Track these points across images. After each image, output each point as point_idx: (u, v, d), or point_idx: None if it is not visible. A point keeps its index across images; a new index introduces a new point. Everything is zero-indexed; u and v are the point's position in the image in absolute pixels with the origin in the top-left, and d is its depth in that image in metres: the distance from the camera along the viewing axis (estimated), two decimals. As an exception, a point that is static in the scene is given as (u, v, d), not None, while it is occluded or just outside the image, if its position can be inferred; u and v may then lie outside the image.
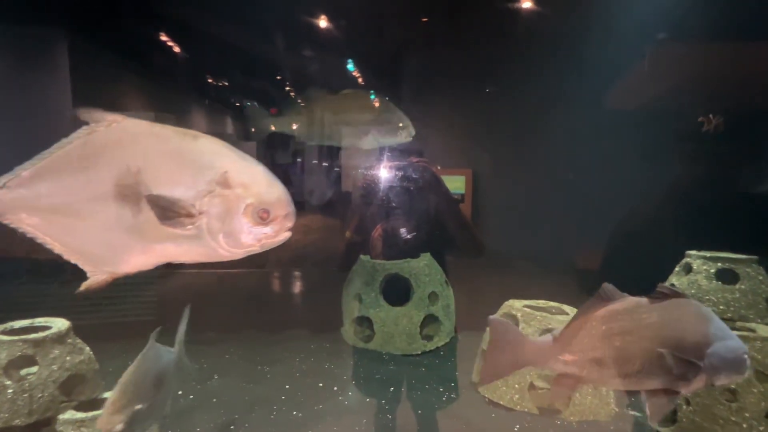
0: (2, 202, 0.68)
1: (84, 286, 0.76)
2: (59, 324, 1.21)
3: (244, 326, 2.17)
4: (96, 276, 0.76)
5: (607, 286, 0.86)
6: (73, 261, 0.76)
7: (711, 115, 1.93)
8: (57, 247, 0.74)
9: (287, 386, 1.56)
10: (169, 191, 0.72)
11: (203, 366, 1.72)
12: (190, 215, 0.72)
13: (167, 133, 0.76)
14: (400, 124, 1.58)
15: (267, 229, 0.75)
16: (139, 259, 0.77)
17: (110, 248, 0.75)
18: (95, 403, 1.20)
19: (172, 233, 0.73)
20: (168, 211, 0.71)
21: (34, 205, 0.71)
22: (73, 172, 0.72)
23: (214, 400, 1.48)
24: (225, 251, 0.76)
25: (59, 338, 1.17)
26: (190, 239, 0.74)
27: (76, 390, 1.18)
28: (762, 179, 1.89)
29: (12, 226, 0.71)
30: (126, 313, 2.42)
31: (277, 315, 2.88)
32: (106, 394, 1.24)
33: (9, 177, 0.70)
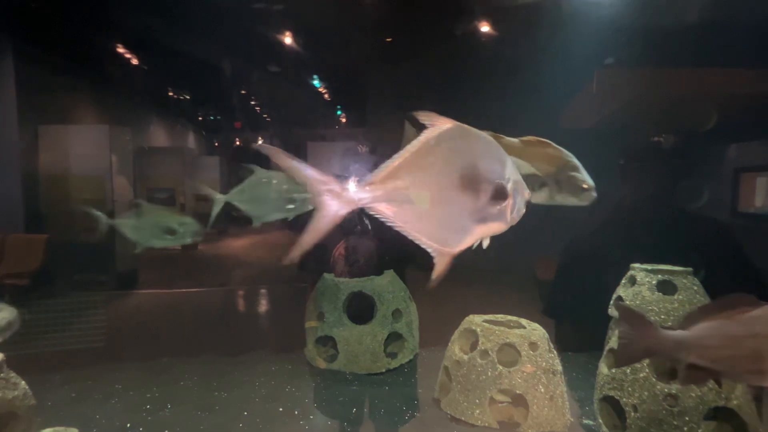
0: (370, 195, 0.80)
1: (435, 275, 0.86)
2: (-10, 357, 1.12)
3: (201, 349, 2.09)
4: (439, 261, 0.86)
5: (743, 295, 0.94)
6: (423, 245, 0.86)
7: (663, 135, 2.08)
8: (411, 233, 0.85)
9: (245, 413, 1.50)
10: (494, 180, 0.91)
11: (155, 395, 1.63)
12: (507, 198, 0.92)
13: (482, 134, 0.94)
14: (585, 186, 1.35)
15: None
16: (466, 238, 0.91)
17: (453, 230, 0.89)
18: (30, 443, 1.11)
19: (489, 214, 0.92)
20: (501, 196, 0.91)
21: (393, 196, 0.83)
22: (427, 167, 0.85)
23: (166, 431, 1.40)
24: (506, 225, 0.96)
25: (-11, 373, 1.08)
26: (496, 217, 0.93)
27: (7, 428, 1.08)
28: (696, 196, 2.05)
29: (376, 215, 0.82)
30: (71, 340, 2.25)
31: (238, 336, 2.75)
32: (44, 431, 1.15)
33: (375, 174, 0.82)
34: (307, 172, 0.79)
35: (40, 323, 2.63)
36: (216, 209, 1.59)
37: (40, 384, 1.21)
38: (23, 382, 1.16)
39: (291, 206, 1.51)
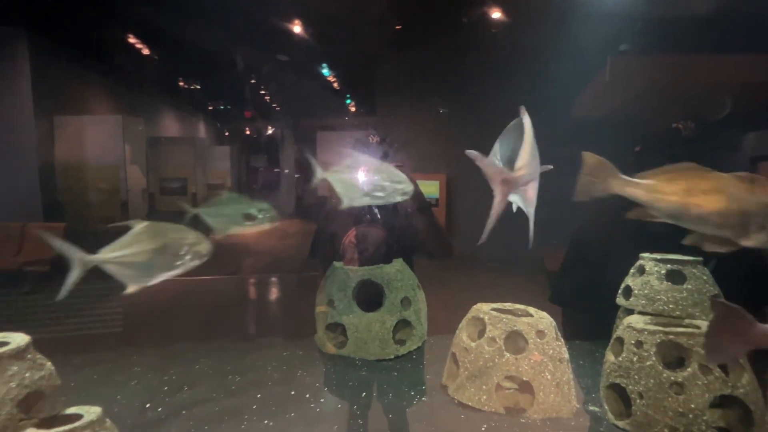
0: (521, 179, 1.04)
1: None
2: (18, 339, 1.17)
3: (215, 335, 2.15)
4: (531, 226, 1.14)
5: None
6: (529, 215, 1.11)
7: (683, 121, 2.04)
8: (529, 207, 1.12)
9: (258, 395, 1.55)
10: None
11: (172, 378, 1.69)
12: None
13: None
14: None
15: None
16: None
17: (533, 201, 1.15)
18: (57, 420, 1.16)
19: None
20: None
21: (525, 179, 1.08)
22: (529, 152, 1.09)
23: (183, 412, 1.46)
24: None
25: (18, 354, 1.13)
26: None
27: (35, 407, 1.14)
28: None
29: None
30: (90, 325, 2.33)
31: (250, 323, 2.83)
32: (69, 410, 1.21)
33: (518, 162, 1.05)
34: (491, 163, 1.03)
35: (62, 309, 2.72)
36: (313, 184, 1.65)
37: (62, 366, 1.26)
38: (49, 363, 1.22)
39: (380, 194, 1.55)
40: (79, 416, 1.18)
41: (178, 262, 1.34)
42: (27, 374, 1.13)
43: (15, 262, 5.30)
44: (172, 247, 1.33)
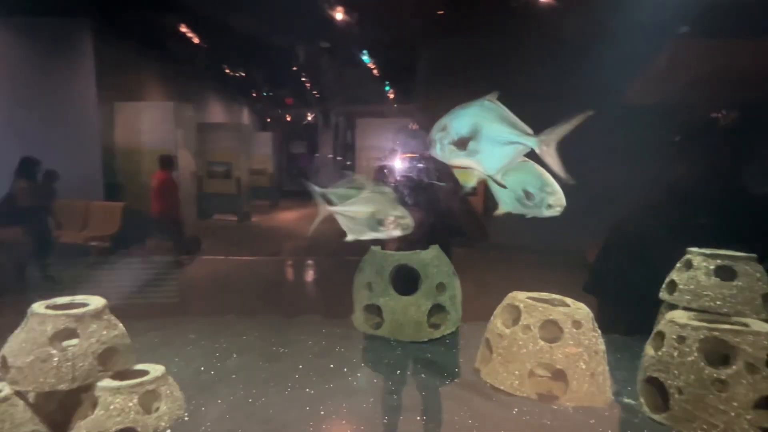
0: None
1: None
2: (96, 302, 1.33)
3: (260, 310, 2.30)
4: None
5: None
6: None
7: (723, 111, 1.93)
8: None
9: (300, 366, 1.66)
10: None
11: (223, 345, 1.84)
12: None
13: None
14: None
15: None
16: None
17: None
18: (128, 374, 1.32)
19: None
20: None
21: None
22: None
23: (233, 376, 1.59)
24: None
25: (97, 314, 1.29)
26: None
27: (111, 361, 1.30)
28: (764, 179, 1.90)
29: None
30: (150, 295, 2.55)
31: (291, 301, 2.99)
32: (137, 367, 1.36)
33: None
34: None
35: (125, 279, 3.03)
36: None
37: (128, 330, 1.41)
38: (120, 324, 1.37)
39: (528, 202, 1.53)
40: (146, 372, 1.33)
41: (382, 228, 1.66)
42: (104, 332, 1.29)
43: (81, 236, 5.83)
44: (380, 214, 1.65)
